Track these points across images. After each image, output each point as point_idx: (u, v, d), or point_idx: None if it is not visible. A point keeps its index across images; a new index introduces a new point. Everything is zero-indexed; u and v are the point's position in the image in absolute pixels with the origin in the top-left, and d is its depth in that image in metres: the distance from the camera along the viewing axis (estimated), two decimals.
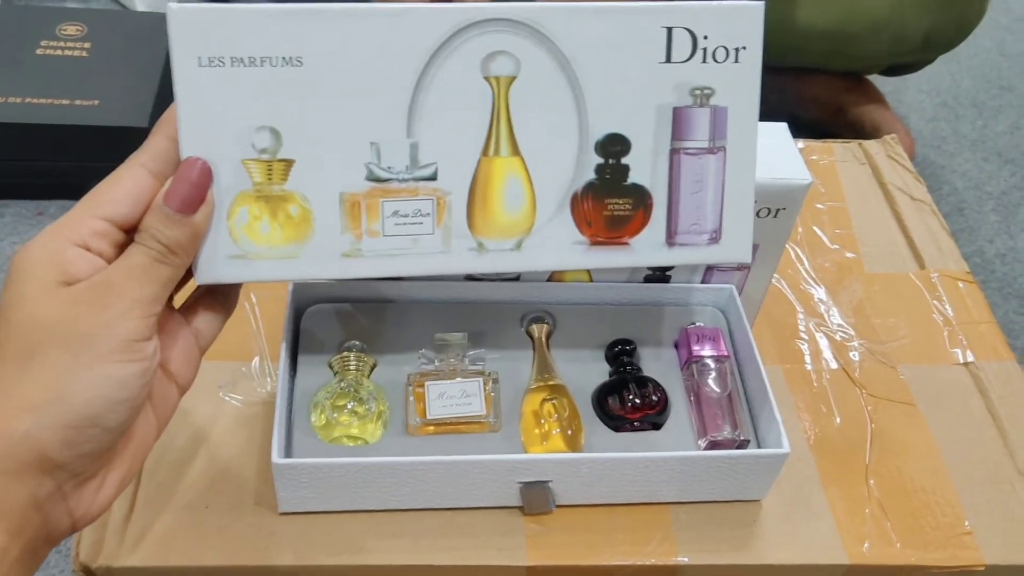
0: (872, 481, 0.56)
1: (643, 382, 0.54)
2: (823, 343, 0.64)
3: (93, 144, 1.03)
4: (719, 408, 0.54)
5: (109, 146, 1.02)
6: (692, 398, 0.55)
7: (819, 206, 0.75)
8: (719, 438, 0.53)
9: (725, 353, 0.56)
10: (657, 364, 0.57)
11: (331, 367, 0.53)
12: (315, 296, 0.56)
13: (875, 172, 0.79)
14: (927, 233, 0.73)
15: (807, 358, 0.63)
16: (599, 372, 0.56)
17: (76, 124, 1.03)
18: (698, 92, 0.46)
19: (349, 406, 0.50)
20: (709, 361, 0.56)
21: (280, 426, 0.48)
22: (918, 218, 0.74)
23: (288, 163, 0.43)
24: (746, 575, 0.52)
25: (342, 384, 0.51)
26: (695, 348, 0.56)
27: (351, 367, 0.52)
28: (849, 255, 0.71)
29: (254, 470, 0.52)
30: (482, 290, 0.57)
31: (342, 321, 0.56)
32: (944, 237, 0.73)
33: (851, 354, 0.64)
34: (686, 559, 0.51)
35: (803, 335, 0.65)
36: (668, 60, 0.45)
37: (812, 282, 0.69)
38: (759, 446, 0.54)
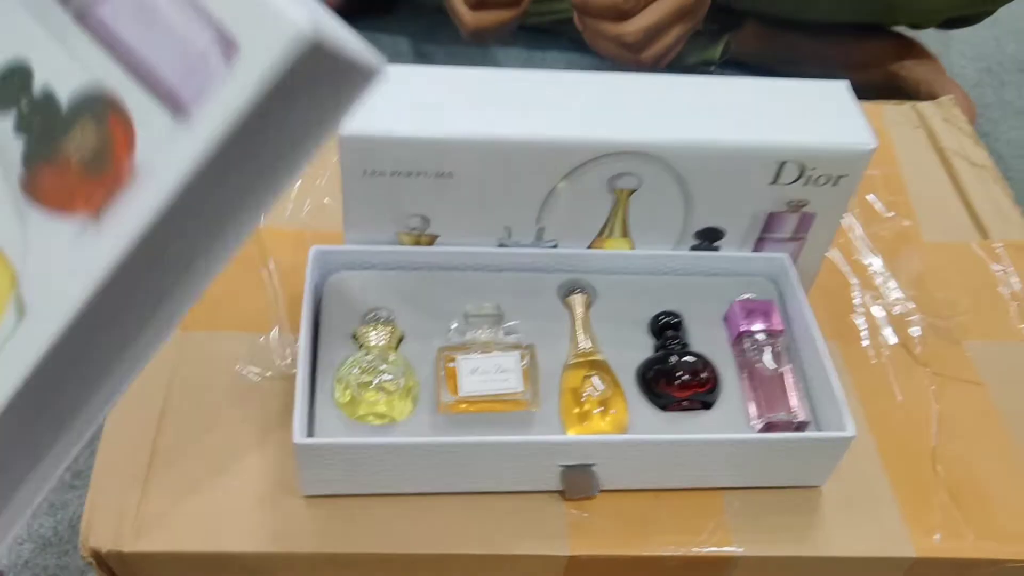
0: (939, 467, 0.52)
1: (692, 358, 0.50)
2: (881, 317, 0.60)
3: None
4: (774, 387, 0.50)
5: None
6: (744, 376, 0.51)
7: (872, 172, 0.70)
8: (775, 419, 0.49)
9: (779, 327, 0.52)
10: (705, 339, 0.52)
11: (355, 338, 0.49)
12: (338, 262, 0.52)
13: (931, 136, 0.74)
14: (989, 201, 0.68)
15: (864, 334, 0.59)
16: (643, 347, 0.52)
17: None
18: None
19: (376, 381, 0.46)
20: (762, 336, 0.52)
21: (301, 403, 0.44)
22: (979, 185, 0.69)
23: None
24: (805, 568, 0.48)
25: (368, 358, 0.47)
26: (746, 322, 0.52)
27: (377, 339, 0.48)
28: (906, 223, 0.66)
29: (274, 450, 0.48)
30: (516, 257, 0.53)
31: (367, 289, 0.52)
32: (1008, 205, 0.68)
33: (911, 329, 0.59)
34: (741, 550, 0.47)
35: (859, 309, 0.60)
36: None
37: (867, 251, 0.64)
38: (818, 428, 0.49)
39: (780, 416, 0.49)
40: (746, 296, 0.54)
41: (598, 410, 0.48)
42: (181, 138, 0.26)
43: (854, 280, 0.62)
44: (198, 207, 0.28)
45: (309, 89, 0.26)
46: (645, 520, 0.48)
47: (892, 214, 0.67)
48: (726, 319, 0.54)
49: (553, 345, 0.51)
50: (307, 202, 0.62)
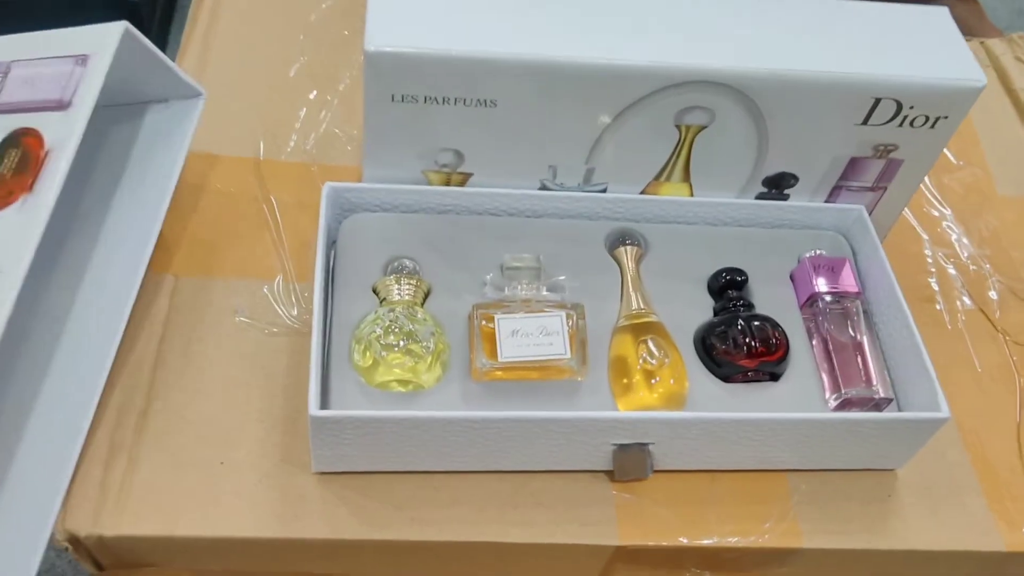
0: None
1: (759, 322, 0.44)
2: (955, 278, 0.54)
3: None
4: (851, 357, 0.44)
5: None
6: (816, 343, 0.45)
7: None
8: (853, 396, 0.43)
9: (856, 289, 0.45)
10: (769, 300, 0.46)
11: (376, 292, 0.43)
12: (355, 202, 0.45)
13: (1001, 76, 0.67)
14: None
15: (938, 297, 0.53)
16: (702, 306, 0.46)
17: None
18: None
19: (401, 344, 0.40)
20: (835, 299, 0.45)
21: (316, 369, 0.38)
22: None
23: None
24: (879, 561, 0.43)
25: (392, 315, 0.41)
26: (819, 282, 0.46)
27: (402, 293, 0.42)
28: (978, 173, 0.60)
29: (279, 416, 0.42)
30: (559, 202, 0.46)
31: (388, 234, 0.45)
32: None
33: (989, 292, 0.53)
34: (810, 542, 0.42)
35: (931, 268, 0.54)
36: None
37: (937, 203, 0.58)
38: (899, 406, 0.43)
39: (858, 392, 0.43)
40: (816, 252, 0.47)
41: (653, 381, 0.42)
42: (69, 119, 0.39)
43: (925, 236, 0.56)
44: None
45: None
46: (702, 505, 0.42)
47: (963, 163, 0.60)
48: (793, 278, 0.47)
49: (601, 303, 0.45)
50: (313, 133, 0.55)
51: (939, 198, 0.58)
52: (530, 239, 0.46)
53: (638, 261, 0.46)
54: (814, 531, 0.42)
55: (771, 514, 0.42)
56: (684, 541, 0.41)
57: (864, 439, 0.42)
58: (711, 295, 0.46)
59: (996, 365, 0.50)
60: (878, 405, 0.43)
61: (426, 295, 0.43)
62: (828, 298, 0.45)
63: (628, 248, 0.46)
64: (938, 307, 0.52)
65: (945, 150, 0.61)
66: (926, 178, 0.59)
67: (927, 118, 0.44)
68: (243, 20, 0.60)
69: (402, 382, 0.40)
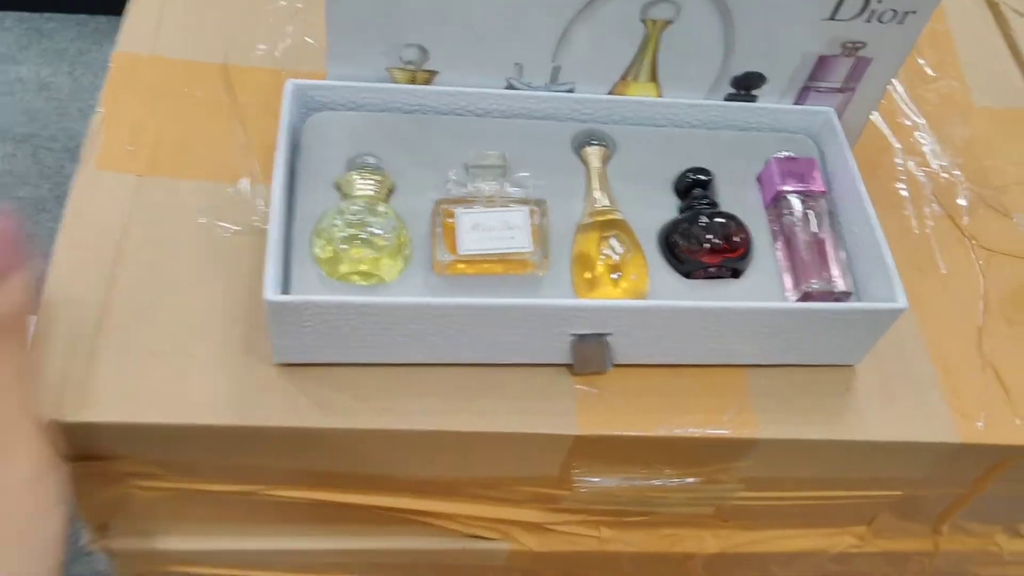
0: (986, 346, 0.47)
1: (722, 219, 0.44)
2: (925, 186, 0.53)
3: None
4: (813, 253, 0.44)
5: None
6: (780, 242, 0.45)
7: None
8: (813, 288, 0.43)
9: (821, 188, 0.46)
10: (736, 200, 0.46)
11: (339, 188, 0.43)
12: (319, 100, 0.45)
13: None
14: None
15: (906, 202, 0.53)
16: (667, 207, 0.46)
17: None
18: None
19: (362, 235, 0.40)
20: (800, 198, 0.45)
21: (275, 256, 0.38)
22: None
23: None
24: (837, 453, 0.44)
25: (353, 208, 0.41)
26: (783, 182, 0.46)
27: (364, 188, 0.42)
28: (954, 85, 0.59)
29: (243, 312, 0.42)
30: (525, 101, 0.46)
31: (353, 132, 0.45)
32: None
33: (958, 200, 0.53)
34: (767, 433, 0.42)
35: (901, 176, 0.54)
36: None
37: (911, 114, 0.57)
38: (860, 300, 0.44)
39: (818, 285, 0.43)
40: (784, 154, 0.47)
41: (615, 276, 0.42)
42: None
43: (897, 144, 0.55)
44: None
45: None
46: (661, 396, 0.43)
47: (939, 75, 0.60)
48: (760, 179, 0.47)
49: (566, 203, 0.45)
50: (283, 40, 0.54)
51: (914, 108, 0.58)
52: (496, 139, 0.45)
53: (604, 161, 0.46)
54: (771, 422, 0.43)
55: (729, 406, 0.43)
56: (642, 432, 0.42)
57: (822, 331, 0.42)
58: (677, 196, 0.46)
59: (961, 268, 0.50)
60: (838, 299, 0.43)
61: (390, 192, 0.43)
62: (793, 197, 0.45)
63: (595, 148, 0.46)
64: (906, 212, 0.52)
65: (921, 61, 0.61)
66: (900, 88, 0.59)
67: (895, 12, 0.43)
68: None
69: (363, 275, 0.41)
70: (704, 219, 0.44)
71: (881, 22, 0.44)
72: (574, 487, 0.46)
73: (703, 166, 0.46)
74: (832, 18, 0.43)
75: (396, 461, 0.43)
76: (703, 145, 0.48)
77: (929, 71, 0.60)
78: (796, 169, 0.46)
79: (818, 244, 0.44)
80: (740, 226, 0.44)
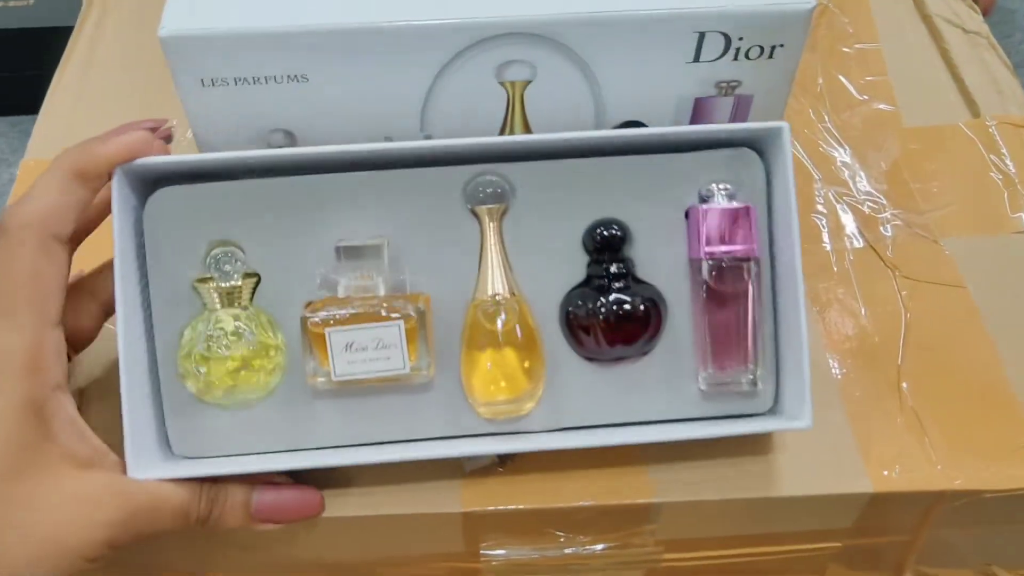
0: (905, 385, 0.44)
1: (628, 300, 0.39)
2: (846, 217, 0.51)
3: (28, 48, 0.93)
4: (731, 333, 0.40)
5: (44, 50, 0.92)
6: (697, 309, 0.40)
7: (845, 49, 0.61)
8: (725, 381, 0.40)
9: (749, 251, 0.39)
10: (658, 246, 0.41)
11: (197, 290, 0.39)
12: (157, 170, 0.38)
13: (916, 1, 0.64)
14: (983, 73, 0.59)
15: (825, 236, 0.50)
16: (575, 264, 0.41)
17: (10, 27, 0.93)
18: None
19: (217, 356, 0.38)
20: (723, 265, 0.39)
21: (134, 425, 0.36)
22: (972, 55, 0.60)
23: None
24: (744, 511, 0.42)
25: (208, 332, 0.38)
26: (705, 244, 0.39)
27: (221, 299, 0.38)
28: (883, 107, 0.57)
29: None
30: (403, 151, 0.40)
31: (203, 209, 0.39)
32: (1006, 76, 0.58)
33: (881, 228, 0.51)
34: (664, 498, 0.40)
35: (820, 208, 0.52)
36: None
37: (834, 143, 0.55)
38: (776, 389, 0.40)
39: (730, 377, 0.40)
40: (719, 188, 0.40)
41: (503, 383, 0.39)
42: None
43: (817, 175, 0.54)
44: None
45: None
46: (552, 470, 0.41)
47: (865, 97, 0.58)
48: (687, 216, 0.41)
49: (460, 267, 0.40)
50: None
51: (838, 136, 0.56)
52: (371, 197, 0.40)
53: (500, 217, 0.41)
54: (670, 482, 0.41)
55: (624, 472, 0.41)
56: (530, 506, 0.41)
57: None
58: (586, 252, 0.41)
59: (883, 303, 0.47)
60: (752, 383, 0.40)
61: (254, 289, 0.40)
62: (712, 261, 0.40)
63: (487, 208, 0.40)
64: (825, 247, 0.50)
65: (847, 83, 0.59)
66: (825, 116, 0.57)
67: (762, 48, 0.42)
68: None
69: (231, 396, 0.39)
70: (606, 299, 0.39)
71: (749, 59, 0.42)
72: (484, 560, 0.45)
73: (614, 218, 0.40)
74: (696, 61, 0.42)
75: (297, 546, 0.43)
76: (621, 176, 0.41)
77: (855, 94, 0.58)
78: (722, 225, 0.39)
79: (737, 320, 0.40)
80: (650, 306, 0.39)
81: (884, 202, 0.52)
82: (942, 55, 0.60)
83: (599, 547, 0.44)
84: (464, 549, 0.44)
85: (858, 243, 0.50)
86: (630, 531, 0.43)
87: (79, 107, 0.56)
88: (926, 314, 0.47)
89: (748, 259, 0.39)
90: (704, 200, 0.40)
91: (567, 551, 0.44)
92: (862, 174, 0.53)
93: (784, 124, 0.38)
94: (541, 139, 0.39)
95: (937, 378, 0.44)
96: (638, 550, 0.45)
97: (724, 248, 0.39)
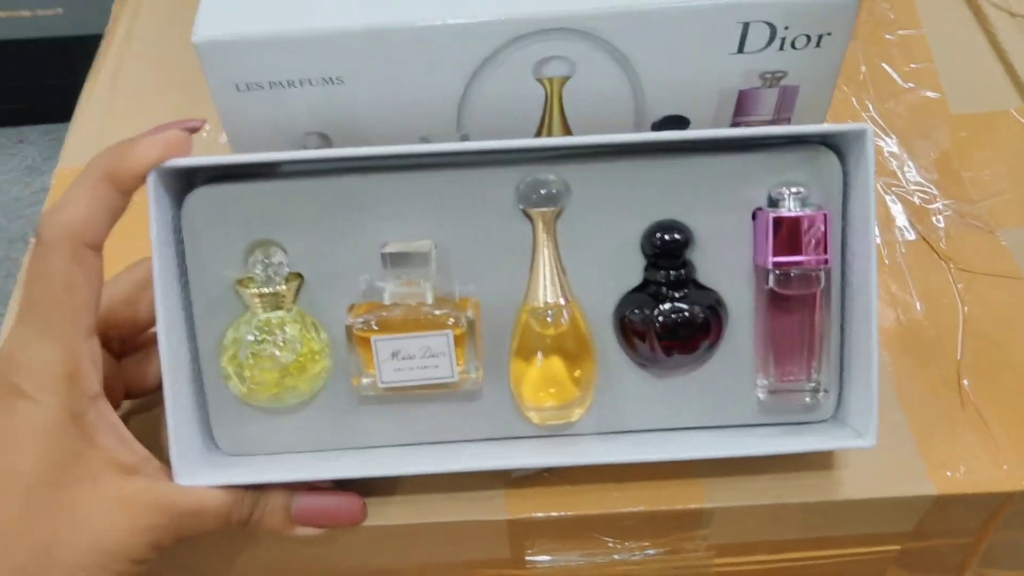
0: (966, 382, 0.42)
1: (685, 309, 0.37)
2: (896, 208, 0.50)
3: (59, 57, 0.93)
4: (795, 341, 0.38)
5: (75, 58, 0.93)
6: (760, 314, 0.39)
7: (888, 36, 0.59)
8: (787, 389, 0.38)
9: (822, 260, 0.36)
10: (721, 252, 0.39)
11: (238, 292, 0.38)
12: (192, 170, 0.38)
13: None
14: None
15: (877, 230, 0.49)
16: (632, 269, 0.39)
17: (41, 37, 0.93)
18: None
19: (263, 359, 0.37)
20: (793, 274, 0.37)
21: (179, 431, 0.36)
22: (1020, 38, 0.58)
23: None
24: (799, 516, 0.40)
25: (252, 335, 0.37)
26: (773, 253, 0.37)
27: (264, 304, 0.37)
28: (929, 94, 0.55)
29: None
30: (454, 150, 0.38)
31: (245, 209, 0.38)
32: None
33: (934, 219, 0.49)
34: (713, 502, 0.39)
35: None
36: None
37: (880, 133, 0.54)
38: (839, 396, 0.39)
39: (793, 386, 0.38)
40: (791, 191, 0.37)
41: (552, 390, 0.38)
42: None
43: None
44: None
45: None
46: (599, 472, 0.40)
47: (911, 85, 0.56)
48: (754, 218, 0.39)
49: (512, 272, 0.39)
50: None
51: (883, 125, 0.54)
52: (418, 200, 0.39)
53: (554, 221, 0.39)
54: (718, 490, 0.39)
55: (674, 476, 0.40)
56: (577, 513, 0.39)
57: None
58: (644, 256, 0.39)
59: (939, 297, 0.46)
60: (813, 392, 0.38)
61: (297, 291, 0.39)
62: (789, 271, 0.37)
63: (539, 212, 0.39)
64: (876, 241, 0.48)
65: (891, 71, 0.57)
66: (870, 106, 0.55)
67: (808, 38, 0.41)
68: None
69: (275, 397, 0.38)
70: (665, 306, 0.38)
71: (796, 48, 0.41)
72: (529, 567, 0.44)
73: (676, 222, 0.38)
74: (740, 51, 0.41)
75: (338, 552, 0.42)
76: (683, 176, 0.38)
77: (900, 81, 0.56)
78: (794, 233, 0.36)
79: (802, 329, 0.38)
80: (709, 316, 0.38)
81: (935, 192, 0.50)
82: (988, 39, 0.58)
83: (648, 553, 0.43)
84: (510, 556, 0.43)
85: (910, 235, 0.48)
86: (681, 536, 0.42)
87: (110, 115, 0.56)
88: (984, 307, 0.45)
89: (819, 268, 0.37)
90: (774, 203, 0.38)
91: (615, 557, 0.43)
92: (911, 164, 0.52)
93: (867, 126, 0.36)
94: (597, 140, 0.37)
95: (999, 374, 0.43)
96: (689, 555, 0.44)
97: (795, 258, 0.37)
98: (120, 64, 0.59)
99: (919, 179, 0.51)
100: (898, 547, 0.44)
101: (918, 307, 0.45)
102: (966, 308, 0.45)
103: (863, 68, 0.57)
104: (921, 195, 0.50)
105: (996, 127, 0.53)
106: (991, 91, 0.55)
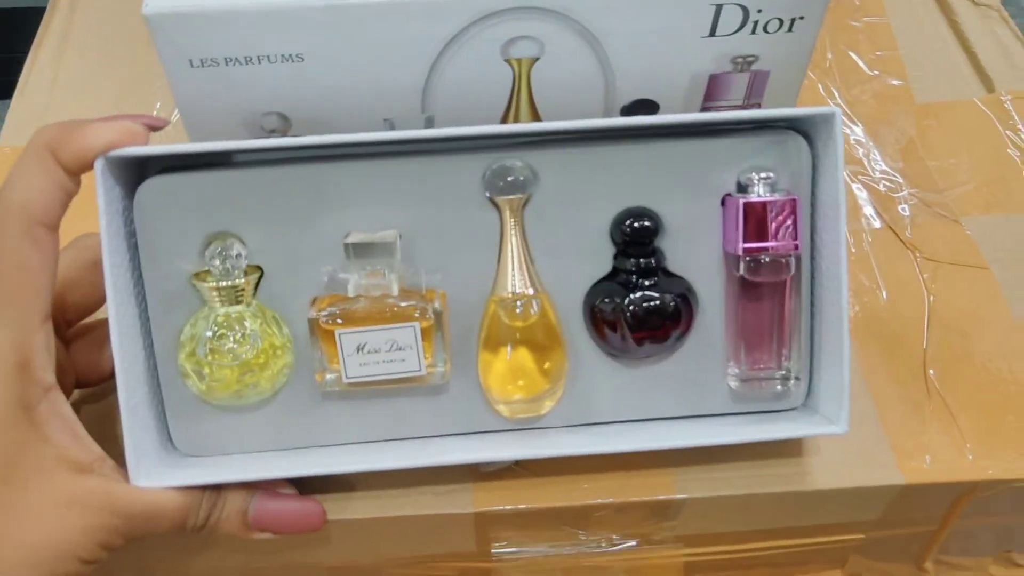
0: (932, 372, 0.42)
1: (655, 296, 0.37)
2: (862, 196, 0.50)
3: None
4: (765, 328, 0.37)
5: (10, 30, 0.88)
6: (731, 300, 0.38)
7: (853, 23, 0.59)
8: (757, 377, 0.38)
9: (795, 244, 0.36)
10: (689, 240, 0.38)
11: (195, 286, 0.36)
12: (143, 159, 0.36)
13: None
14: (996, 47, 0.57)
15: None
16: (601, 256, 0.38)
17: None
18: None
19: (221, 356, 0.35)
20: (762, 261, 0.36)
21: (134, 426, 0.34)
22: (983, 28, 0.58)
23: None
24: (769, 506, 0.40)
25: (214, 318, 0.36)
26: (742, 239, 0.36)
27: (223, 299, 0.35)
28: (894, 83, 0.55)
29: None
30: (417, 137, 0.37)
31: (200, 198, 0.36)
32: (1019, 50, 0.56)
33: (900, 207, 0.49)
34: (684, 494, 0.39)
35: None
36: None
37: (846, 120, 0.53)
38: (809, 384, 0.38)
39: (763, 374, 0.37)
40: (760, 177, 0.36)
41: (521, 382, 0.37)
42: None
43: None
44: None
45: None
46: (568, 465, 0.40)
47: (876, 73, 0.56)
48: (723, 205, 0.38)
49: (477, 258, 0.37)
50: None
51: (849, 114, 0.54)
52: (382, 183, 0.37)
53: (520, 211, 0.38)
54: (691, 479, 0.39)
55: (642, 467, 0.39)
56: (543, 505, 0.39)
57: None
58: (613, 244, 0.38)
59: (905, 286, 0.46)
60: (784, 380, 0.38)
61: (257, 284, 0.37)
62: (749, 261, 0.36)
63: (506, 199, 0.37)
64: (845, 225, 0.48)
65: (856, 58, 0.57)
66: (836, 92, 0.55)
67: (781, 21, 0.40)
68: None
69: (239, 394, 0.36)
70: (634, 296, 0.37)
71: (768, 32, 0.40)
72: (496, 559, 0.43)
73: (646, 209, 0.37)
74: (712, 35, 0.40)
75: (299, 550, 0.41)
76: (651, 162, 0.38)
77: (865, 69, 0.56)
78: (764, 219, 0.36)
79: (771, 317, 0.37)
80: (680, 305, 0.37)
81: (900, 180, 0.50)
82: (952, 28, 0.59)
83: (616, 546, 0.42)
84: (475, 549, 0.42)
85: (876, 224, 0.48)
86: (648, 527, 0.41)
87: (55, 90, 0.53)
88: (949, 296, 0.45)
89: (789, 254, 0.36)
90: (743, 188, 0.37)
91: (582, 549, 0.43)
92: (876, 152, 0.52)
93: (835, 109, 0.35)
94: (567, 125, 0.35)
95: (964, 364, 0.43)
96: (656, 547, 0.43)
97: (765, 244, 0.36)
98: (65, 36, 0.56)
99: (885, 167, 0.51)
100: (862, 536, 0.44)
101: (884, 296, 0.45)
102: (932, 297, 0.45)
103: (829, 55, 0.57)
104: (887, 183, 0.50)
105: (961, 116, 0.53)
106: (955, 80, 0.55)
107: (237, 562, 0.41)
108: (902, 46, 0.58)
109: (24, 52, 0.55)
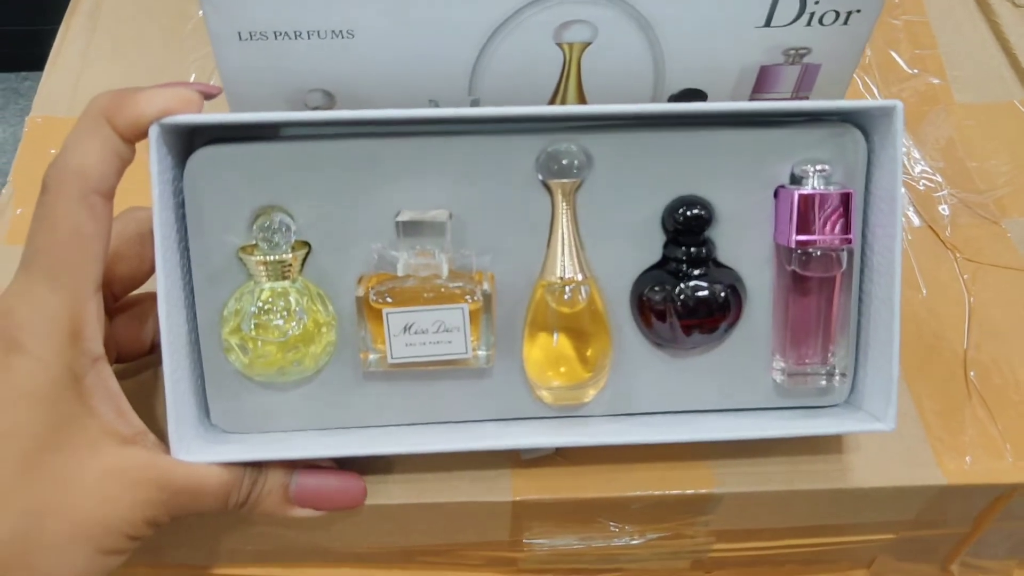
0: (973, 373, 0.42)
1: (704, 287, 0.36)
2: (901, 196, 0.49)
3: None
4: (812, 323, 0.37)
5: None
6: (779, 293, 0.38)
7: (893, 21, 0.58)
8: (803, 372, 0.37)
9: (848, 239, 0.36)
10: (743, 230, 0.37)
11: (242, 259, 0.36)
12: (196, 127, 0.35)
13: None
14: None
15: None
16: (652, 244, 0.37)
17: None
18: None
19: (266, 333, 0.35)
20: (819, 252, 0.36)
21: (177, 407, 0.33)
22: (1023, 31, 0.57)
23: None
24: (808, 503, 0.40)
25: (260, 293, 0.35)
26: (794, 231, 0.36)
27: (270, 274, 0.35)
28: (934, 81, 0.55)
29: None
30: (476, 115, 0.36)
31: (250, 172, 0.36)
32: None
33: (940, 207, 0.49)
34: (723, 488, 0.38)
35: None
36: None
37: None
38: (854, 381, 0.38)
39: (809, 369, 0.37)
40: (815, 169, 0.36)
41: (563, 369, 0.36)
42: None
43: None
44: None
45: None
46: (606, 458, 0.39)
47: (916, 71, 0.55)
48: (776, 197, 0.37)
49: (526, 241, 0.37)
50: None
51: None
52: (434, 166, 0.36)
53: (573, 193, 0.37)
54: (731, 474, 0.39)
55: (682, 459, 0.39)
56: (582, 496, 0.38)
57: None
58: (664, 232, 0.37)
59: (944, 286, 0.45)
60: (828, 376, 0.37)
61: (304, 259, 0.37)
62: (801, 254, 0.36)
63: (559, 183, 0.36)
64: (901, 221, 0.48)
65: (896, 56, 0.56)
66: (874, 88, 0.55)
67: (837, 13, 0.39)
68: None
69: (280, 371, 0.36)
70: (683, 285, 0.36)
71: (823, 24, 0.40)
72: (527, 549, 0.43)
73: (698, 197, 0.37)
74: (767, 25, 0.39)
75: (333, 533, 0.40)
76: (706, 150, 0.37)
77: (905, 67, 0.56)
78: (817, 212, 0.35)
79: (819, 312, 0.37)
80: (729, 296, 0.36)
81: (940, 180, 0.50)
82: (992, 29, 0.58)
83: (648, 537, 0.42)
84: (508, 538, 0.42)
85: (916, 222, 0.48)
86: (682, 522, 0.41)
87: (87, 62, 0.52)
88: (990, 298, 0.45)
89: (841, 248, 0.36)
90: (797, 180, 0.37)
91: (614, 542, 0.42)
92: (916, 151, 0.51)
93: (898, 102, 0.35)
94: (621, 109, 0.35)
95: (1004, 366, 0.42)
96: (688, 540, 0.43)
97: (817, 237, 0.36)
98: (96, 9, 0.55)
99: (924, 167, 0.50)
100: (894, 535, 0.44)
101: (923, 294, 0.45)
102: (972, 298, 0.45)
103: (868, 52, 0.57)
104: (927, 182, 0.50)
105: (1001, 118, 0.53)
106: (995, 81, 0.55)
107: (268, 545, 0.41)
108: (941, 45, 0.57)
109: (56, 24, 0.54)
